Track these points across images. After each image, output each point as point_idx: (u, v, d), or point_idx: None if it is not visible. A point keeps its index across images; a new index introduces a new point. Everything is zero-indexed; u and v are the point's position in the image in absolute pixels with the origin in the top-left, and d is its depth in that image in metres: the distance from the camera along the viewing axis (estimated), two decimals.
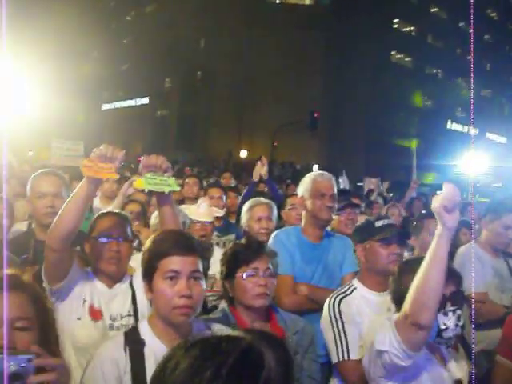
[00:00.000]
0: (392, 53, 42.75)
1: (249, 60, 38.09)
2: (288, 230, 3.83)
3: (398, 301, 2.36)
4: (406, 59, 44.03)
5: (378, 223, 3.04)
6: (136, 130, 45.26)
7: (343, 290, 3.00)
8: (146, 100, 48.27)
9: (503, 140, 45.25)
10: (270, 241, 3.60)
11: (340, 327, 2.84)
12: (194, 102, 40.85)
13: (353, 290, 2.98)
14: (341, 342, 2.82)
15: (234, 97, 39.01)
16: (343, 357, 2.80)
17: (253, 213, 4.29)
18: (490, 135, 42.22)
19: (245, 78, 38.27)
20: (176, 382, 1.04)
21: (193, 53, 41.34)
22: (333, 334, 2.85)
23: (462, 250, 4.07)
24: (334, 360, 2.84)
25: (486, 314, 3.63)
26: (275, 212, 4.46)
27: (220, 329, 2.26)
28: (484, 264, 3.88)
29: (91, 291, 2.73)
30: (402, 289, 2.34)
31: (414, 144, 32.56)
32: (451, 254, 3.71)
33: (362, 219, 4.95)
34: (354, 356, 2.78)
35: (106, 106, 52.82)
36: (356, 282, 3.03)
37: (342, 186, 9.53)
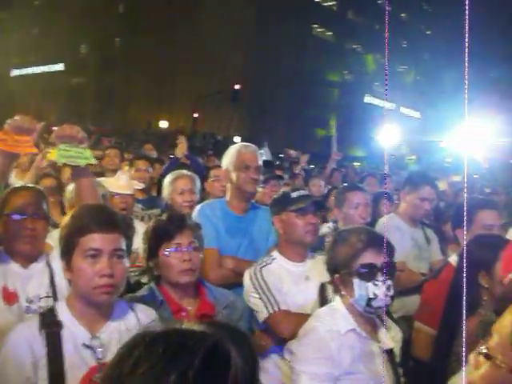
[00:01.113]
0: (314, 26, 43.14)
1: (172, 29, 37.18)
2: (212, 202, 3.77)
3: (333, 270, 2.41)
4: (328, 33, 44.60)
5: (294, 194, 3.06)
6: (49, 98, 43.28)
7: (264, 260, 3.01)
8: (60, 66, 46.10)
9: (417, 115, 47.10)
10: (194, 214, 3.52)
11: (264, 287, 2.86)
12: (113, 69, 39.50)
13: (272, 261, 2.99)
14: (268, 298, 2.83)
15: (154, 66, 38.05)
16: (273, 309, 2.81)
17: (175, 186, 4.20)
18: (405, 110, 43.82)
19: (166, 47, 37.36)
20: None
21: (110, 18, 39.80)
22: (258, 295, 2.86)
23: (382, 220, 4.18)
24: (264, 316, 2.83)
25: (405, 282, 3.74)
26: (198, 184, 4.38)
27: (143, 309, 2.19)
28: (403, 234, 4.00)
29: (4, 272, 2.53)
30: (336, 259, 2.38)
31: (334, 116, 33.23)
32: (372, 225, 3.81)
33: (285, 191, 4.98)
34: (283, 307, 2.81)
35: (15, 72, 50.00)
36: (275, 253, 3.05)
37: (263, 158, 9.56)
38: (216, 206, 3.60)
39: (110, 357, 1.86)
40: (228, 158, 3.56)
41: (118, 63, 39.99)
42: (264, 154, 9.93)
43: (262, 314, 2.84)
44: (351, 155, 21.62)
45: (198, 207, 3.65)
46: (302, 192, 3.11)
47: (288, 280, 2.92)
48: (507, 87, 32.21)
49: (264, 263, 2.98)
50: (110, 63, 40.36)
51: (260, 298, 2.86)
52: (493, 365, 1.38)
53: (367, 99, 43.38)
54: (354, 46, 46.38)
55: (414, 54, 46.19)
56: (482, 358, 1.41)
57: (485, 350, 1.37)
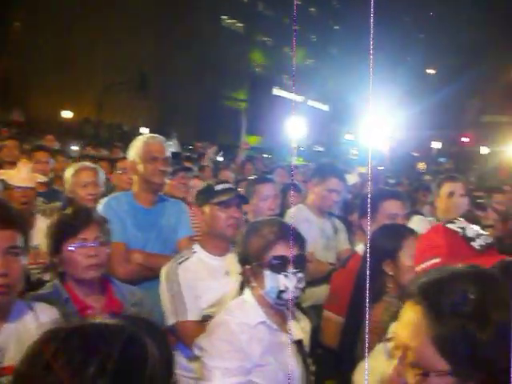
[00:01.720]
0: (223, 18, 43.05)
1: (75, 15, 35.63)
2: (119, 195, 3.65)
3: (244, 262, 2.38)
4: (238, 25, 44.68)
5: (218, 187, 3.04)
6: None
7: (182, 255, 2.97)
8: None
9: (325, 107, 48.42)
10: (100, 208, 3.39)
11: (176, 289, 2.83)
12: (11, 55, 37.34)
13: (192, 254, 2.96)
14: (177, 305, 2.81)
15: (57, 52, 36.39)
16: (181, 317, 2.80)
17: (78, 178, 4.02)
18: (313, 103, 44.90)
19: (71, 32, 35.80)
20: (53, 381, 0.89)
21: (10, 2, 37.56)
22: (170, 297, 2.83)
23: (290, 211, 4.22)
24: (171, 321, 2.82)
25: (313, 272, 3.80)
26: (102, 177, 4.23)
27: (44, 308, 2.06)
28: (311, 225, 4.05)
29: None
30: (247, 250, 2.36)
31: (243, 108, 33.39)
32: (280, 216, 3.84)
33: (195, 183, 4.93)
34: (191, 317, 2.79)
35: None
36: (197, 246, 3.02)
37: (172, 150, 9.43)
38: (122, 199, 3.49)
39: (9, 360, 1.79)
40: (134, 150, 3.46)
41: (17, 49, 37.87)
42: (173, 146, 9.80)
43: (170, 319, 2.84)
44: (260, 147, 21.85)
45: (103, 200, 3.53)
46: (226, 185, 3.09)
47: (206, 275, 2.89)
48: (409, 83, 33.86)
49: (183, 258, 2.94)
50: (9, 47, 38.14)
51: (170, 302, 2.84)
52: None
53: (276, 91, 44.01)
54: (264, 39, 46.86)
55: (322, 48, 47.37)
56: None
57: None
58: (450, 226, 2.04)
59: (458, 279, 1.21)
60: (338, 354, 2.83)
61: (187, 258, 2.93)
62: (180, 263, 2.90)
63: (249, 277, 2.37)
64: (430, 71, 38.43)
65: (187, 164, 5.92)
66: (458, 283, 1.20)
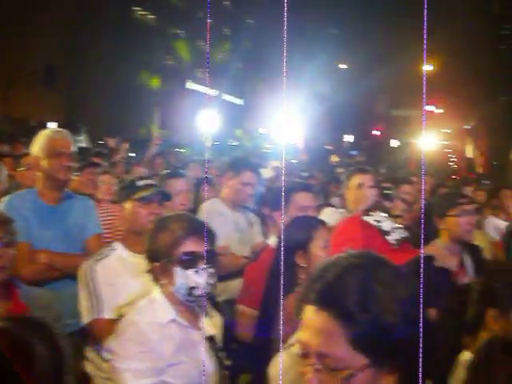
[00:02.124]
0: (135, 9, 42.06)
1: None
2: (22, 193, 3.50)
3: (152, 259, 2.31)
4: (150, 17, 43.78)
5: (139, 182, 3.00)
6: None
7: (101, 253, 2.90)
8: None
9: (240, 101, 48.54)
10: (2, 207, 3.20)
11: (93, 287, 2.76)
12: None
13: (111, 252, 2.88)
14: (95, 302, 2.75)
15: None
16: (97, 315, 2.73)
17: None
18: (227, 97, 44.85)
19: None
20: None
21: None
22: (87, 294, 2.76)
23: (204, 205, 4.18)
24: (87, 319, 2.76)
25: (228, 266, 3.79)
26: (4, 173, 4.02)
27: None
28: (225, 219, 4.04)
29: None
30: (156, 246, 2.30)
31: (156, 102, 32.83)
32: (194, 211, 3.80)
33: (105, 179, 4.77)
34: (108, 315, 2.73)
35: None
36: (117, 244, 2.94)
37: (81, 145, 9.15)
38: (25, 197, 3.33)
39: None
40: (38, 145, 3.31)
41: None
42: (82, 141, 9.49)
43: (85, 318, 2.77)
44: (173, 141, 21.60)
45: (4, 199, 3.34)
46: (147, 181, 3.05)
47: (126, 273, 2.81)
48: (322, 77, 34.62)
49: (101, 256, 2.86)
50: None
51: (87, 299, 2.76)
52: None
53: (189, 85, 43.58)
54: (177, 32, 46.25)
55: (236, 41, 47.36)
56: None
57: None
58: (366, 219, 2.08)
59: (352, 274, 1.20)
60: (252, 348, 2.83)
61: (106, 256, 2.86)
62: (98, 260, 2.83)
63: (158, 274, 2.31)
64: (343, 66, 39.49)
65: (97, 160, 5.72)
66: (354, 278, 1.19)
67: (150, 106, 24.65)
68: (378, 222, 2.01)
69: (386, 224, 2.00)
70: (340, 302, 1.17)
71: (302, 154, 12.29)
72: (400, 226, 2.03)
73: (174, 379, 2.19)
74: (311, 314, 1.20)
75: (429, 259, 2.05)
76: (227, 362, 2.49)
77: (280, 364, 1.58)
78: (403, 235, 1.99)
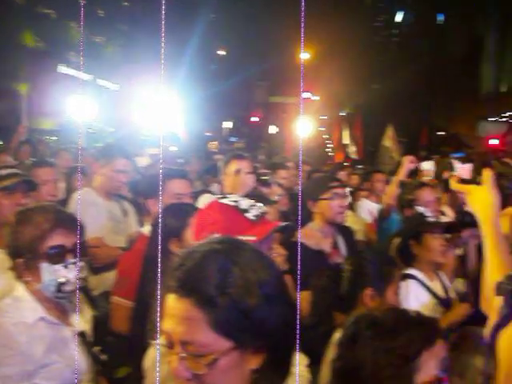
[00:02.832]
0: None
1: None
2: None
3: (15, 255, 2.16)
4: None
5: (2, 171, 2.82)
6: None
7: None
8: None
9: (116, 87, 46.97)
10: None
11: None
12: None
13: None
14: None
15: None
16: None
17: None
18: (102, 82, 43.16)
19: None
20: None
21: None
22: None
23: (75, 195, 4.00)
24: None
25: (103, 258, 3.66)
26: None
27: None
28: (98, 208, 3.90)
29: None
30: (19, 241, 2.14)
31: (23, 87, 30.84)
32: (65, 202, 3.61)
33: None
34: None
35: None
36: None
37: None
38: None
39: None
40: None
41: None
42: None
43: None
44: (43, 128, 20.43)
45: None
46: (10, 170, 2.86)
47: None
48: (201, 64, 34.45)
49: None
50: None
51: None
52: None
53: (61, 69, 41.39)
54: (48, 12, 43.61)
55: (111, 24, 45.58)
56: None
57: None
58: (223, 201, 2.10)
59: (211, 259, 1.20)
60: (129, 340, 2.76)
61: None
62: None
63: (22, 271, 2.16)
64: (221, 52, 39.57)
65: None
66: (213, 263, 1.19)
67: (18, 92, 23.09)
68: (235, 201, 2.04)
69: (243, 203, 2.03)
70: (199, 288, 1.17)
71: (180, 141, 12.17)
72: (256, 203, 2.07)
73: (47, 381, 2.08)
74: (173, 303, 1.20)
75: (287, 228, 2.12)
76: (103, 357, 2.40)
77: (156, 355, 1.54)
78: (261, 210, 2.04)
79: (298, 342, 1.22)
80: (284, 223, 2.11)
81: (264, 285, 1.21)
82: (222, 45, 39.10)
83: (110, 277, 3.51)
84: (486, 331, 1.27)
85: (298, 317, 1.23)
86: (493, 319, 1.27)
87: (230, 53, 39.03)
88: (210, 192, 4.97)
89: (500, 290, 1.32)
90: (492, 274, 1.48)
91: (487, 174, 1.72)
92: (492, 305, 1.38)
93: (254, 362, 1.22)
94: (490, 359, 1.20)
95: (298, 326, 1.23)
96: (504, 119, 24.59)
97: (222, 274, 1.17)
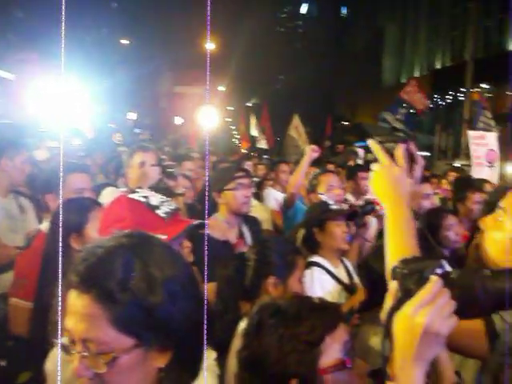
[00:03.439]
0: None
1: None
2: None
3: None
4: None
5: None
6: None
7: None
8: None
9: (11, 76, 44.50)
10: None
11: None
12: None
13: None
14: None
15: None
16: None
17: None
18: None
19: None
20: None
21: None
22: None
23: None
24: None
25: (0, 259, 3.48)
26: None
27: None
28: None
29: None
30: None
31: None
32: None
33: None
34: None
35: None
36: None
37: None
38: None
39: None
40: None
41: None
42: None
43: None
44: None
45: None
46: None
47: None
48: (103, 53, 33.35)
49: None
50: None
51: None
52: None
53: None
54: None
55: (6, 11, 43.10)
56: None
57: None
58: (132, 196, 2.03)
59: (116, 254, 1.18)
60: (29, 343, 2.63)
61: None
62: None
63: None
64: (125, 42, 38.51)
65: None
66: (118, 258, 1.17)
67: None
68: (145, 197, 1.98)
69: (154, 199, 1.98)
70: (100, 283, 1.13)
71: (83, 133, 11.75)
72: (167, 198, 2.02)
73: None
74: (74, 299, 1.16)
75: (200, 226, 2.10)
76: (2, 363, 2.29)
77: (58, 356, 1.47)
78: (172, 207, 2.00)
79: (205, 336, 1.21)
80: (197, 221, 2.08)
81: (170, 282, 1.18)
82: (125, 34, 38.04)
83: (7, 278, 3.33)
84: (383, 314, 1.32)
85: (205, 312, 1.22)
86: (389, 302, 1.32)
87: (134, 42, 38.11)
88: (113, 185, 4.83)
89: (395, 274, 1.37)
90: (391, 258, 1.51)
91: (397, 153, 1.68)
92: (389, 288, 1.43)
93: (161, 361, 1.20)
94: (386, 341, 1.25)
95: (205, 322, 1.21)
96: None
97: (125, 270, 1.15)
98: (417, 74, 35.63)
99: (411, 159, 1.72)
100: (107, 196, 3.99)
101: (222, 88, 35.97)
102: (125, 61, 35.70)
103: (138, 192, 2.05)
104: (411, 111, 10.18)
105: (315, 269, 3.33)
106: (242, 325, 2.23)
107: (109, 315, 1.13)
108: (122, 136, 12.58)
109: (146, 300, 1.14)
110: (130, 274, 1.15)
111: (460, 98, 27.84)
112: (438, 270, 1.29)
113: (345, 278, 3.44)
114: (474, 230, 3.72)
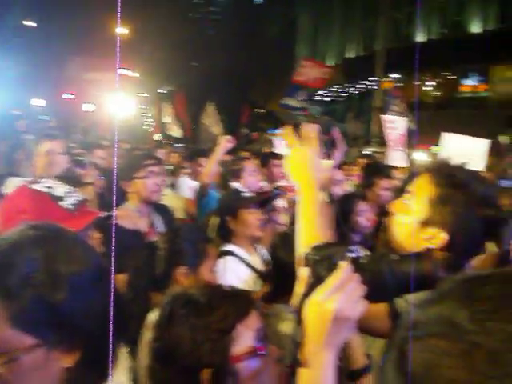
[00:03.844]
0: None
1: None
2: None
3: None
4: None
5: None
6: None
7: None
8: None
9: None
10: None
11: None
12: None
13: None
14: None
15: None
16: None
17: None
18: None
19: None
20: None
21: None
22: None
23: None
24: None
25: None
26: None
27: None
28: None
29: None
30: None
31: None
32: None
33: None
34: None
35: None
36: None
37: None
38: None
39: None
40: None
41: None
42: None
43: None
44: None
45: None
46: None
47: None
48: (5, 36, 31.59)
49: None
50: None
51: None
52: None
53: None
54: None
55: None
56: None
57: None
58: (34, 186, 1.92)
59: (20, 248, 1.11)
60: None
61: None
62: None
63: None
64: (30, 24, 36.57)
65: None
66: (21, 252, 1.10)
67: None
68: (49, 188, 1.87)
69: (59, 189, 1.88)
70: (0, 279, 1.07)
71: None
72: (73, 189, 1.92)
73: None
74: None
75: (108, 219, 2.02)
76: None
77: None
78: (79, 199, 1.90)
79: (116, 332, 1.16)
80: (105, 214, 2.00)
81: (77, 277, 1.13)
82: (29, 15, 36.13)
83: None
84: (295, 301, 1.33)
85: (114, 306, 1.17)
86: (301, 289, 1.33)
87: (40, 24, 36.29)
88: (17, 175, 4.59)
89: (307, 260, 1.38)
90: (304, 241, 1.51)
91: (305, 132, 1.68)
92: (300, 275, 1.44)
93: (67, 360, 1.15)
94: (298, 327, 1.26)
95: (115, 317, 1.17)
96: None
97: (28, 265, 1.08)
98: (330, 62, 36.49)
99: (332, 144, 1.74)
100: (11, 186, 3.79)
101: (134, 74, 35.11)
102: (30, 43, 33.97)
103: (41, 182, 1.94)
104: (310, 89, 10.23)
105: (229, 258, 3.31)
106: (153, 316, 2.19)
107: (7, 313, 1.06)
108: (26, 123, 11.98)
109: (48, 296, 1.09)
110: (32, 269, 1.08)
111: (372, 87, 28.80)
112: (349, 256, 1.32)
113: (259, 266, 3.45)
114: (382, 215, 3.84)
